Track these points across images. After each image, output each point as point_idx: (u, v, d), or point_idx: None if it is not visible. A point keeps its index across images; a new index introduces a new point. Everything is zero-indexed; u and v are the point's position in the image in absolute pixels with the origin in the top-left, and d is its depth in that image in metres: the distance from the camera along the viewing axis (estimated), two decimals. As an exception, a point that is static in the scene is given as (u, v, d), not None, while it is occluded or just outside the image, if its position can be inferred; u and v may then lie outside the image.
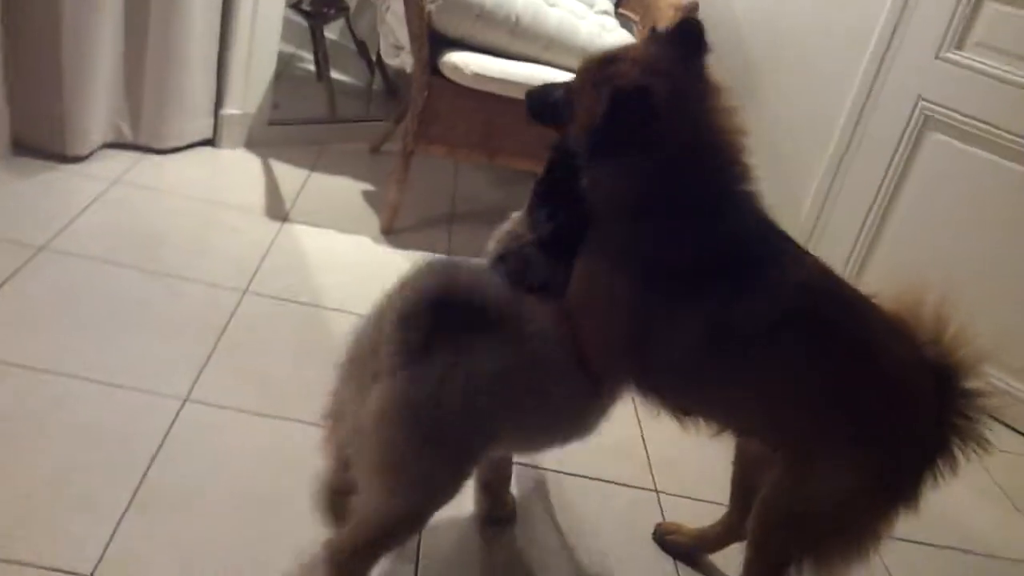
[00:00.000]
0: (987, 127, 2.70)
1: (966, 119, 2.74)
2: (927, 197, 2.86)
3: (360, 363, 1.47)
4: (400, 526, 1.49)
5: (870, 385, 1.48)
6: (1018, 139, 2.64)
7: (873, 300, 1.53)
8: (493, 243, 1.60)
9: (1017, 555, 2.28)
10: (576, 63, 1.56)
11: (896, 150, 2.89)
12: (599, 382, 1.54)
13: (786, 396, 1.50)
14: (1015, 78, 2.63)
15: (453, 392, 1.37)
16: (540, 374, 1.47)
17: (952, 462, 1.51)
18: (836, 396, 1.49)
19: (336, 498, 1.61)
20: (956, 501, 2.28)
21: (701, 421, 1.60)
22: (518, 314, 1.46)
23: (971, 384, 1.50)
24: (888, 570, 2.05)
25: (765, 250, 1.46)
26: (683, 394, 1.57)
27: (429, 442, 1.38)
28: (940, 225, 2.84)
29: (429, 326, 1.37)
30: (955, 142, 2.78)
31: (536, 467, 2.06)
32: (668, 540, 1.96)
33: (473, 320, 1.41)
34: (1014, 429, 2.77)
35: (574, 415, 1.57)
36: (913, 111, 2.84)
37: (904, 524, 1.55)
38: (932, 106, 2.80)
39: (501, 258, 1.56)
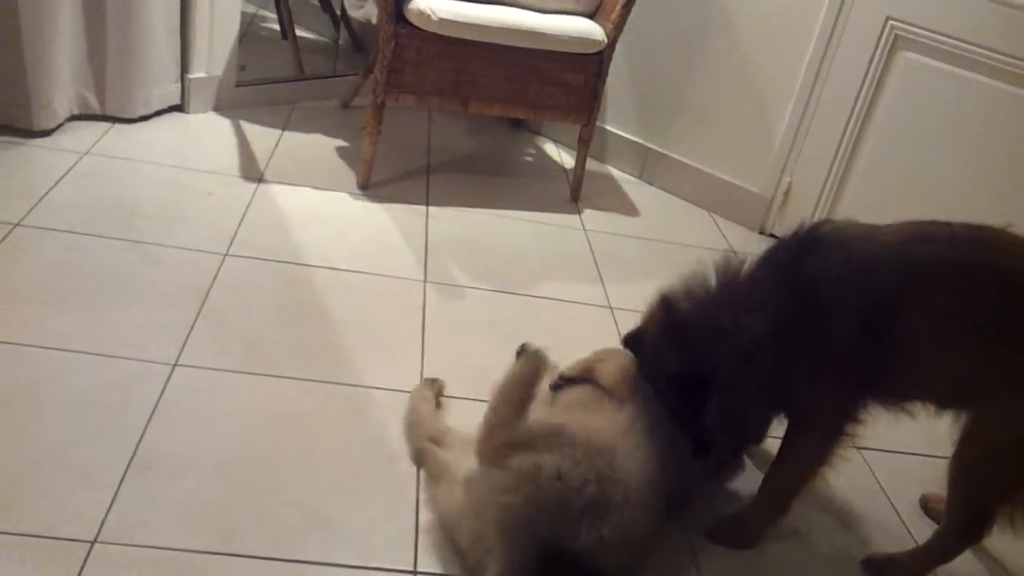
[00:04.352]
0: (956, 42, 2.69)
1: (935, 35, 2.73)
2: (900, 115, 2.87)
3: None
4: None
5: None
6: (986, 52, 2.64)
7: None
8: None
9: None
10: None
11: (867, 71, 2.88)
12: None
13: (966, 354, 1.64)
14: (981, -9, 2.62)
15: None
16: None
17: None
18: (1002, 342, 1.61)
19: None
20: None
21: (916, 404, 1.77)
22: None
23: None
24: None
25: None
26: (898, 391, 1.74)
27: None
28: (913, 142, 2.85)
29: None
30: (926, 59, 2.78)
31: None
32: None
33: None
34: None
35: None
36: (882, 31, 2.83)
37: None
38: (901, 25, 2.79)
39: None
